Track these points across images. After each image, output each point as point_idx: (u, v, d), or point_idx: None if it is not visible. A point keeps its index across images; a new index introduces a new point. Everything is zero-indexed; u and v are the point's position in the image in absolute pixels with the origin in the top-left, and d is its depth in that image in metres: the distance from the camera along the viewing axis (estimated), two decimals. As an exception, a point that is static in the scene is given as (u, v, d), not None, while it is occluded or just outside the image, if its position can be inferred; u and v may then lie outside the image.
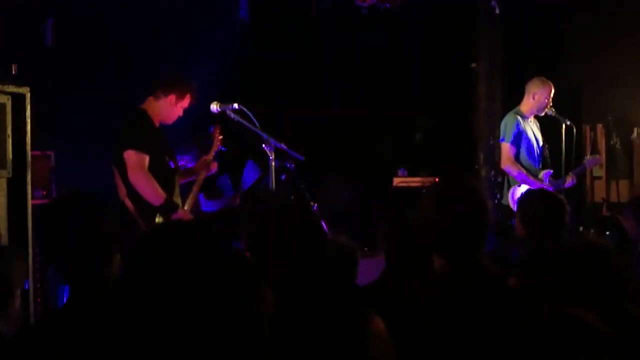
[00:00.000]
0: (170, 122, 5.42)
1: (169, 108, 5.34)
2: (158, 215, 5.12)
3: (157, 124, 5.36)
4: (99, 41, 7.15)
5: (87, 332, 2.25)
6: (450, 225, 2.91)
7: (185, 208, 5.44)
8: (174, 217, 5.15)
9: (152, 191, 5.08)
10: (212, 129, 6.01)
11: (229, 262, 1.54)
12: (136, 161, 5.09)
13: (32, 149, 5.18)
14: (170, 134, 5.74)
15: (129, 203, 5.05)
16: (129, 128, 5.22)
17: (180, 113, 5.43)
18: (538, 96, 7.01)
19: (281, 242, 2.86)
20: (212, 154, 5.88)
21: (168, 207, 5.12)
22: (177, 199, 5.36)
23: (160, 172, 5.22)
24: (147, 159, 5.14)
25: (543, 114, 7.09)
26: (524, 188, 6.69)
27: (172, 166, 5.43)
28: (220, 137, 5.93)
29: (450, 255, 2.92)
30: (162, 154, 5.31)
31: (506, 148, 6.98)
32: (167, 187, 5.23)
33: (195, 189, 5.68)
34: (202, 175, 5.74)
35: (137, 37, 7.24)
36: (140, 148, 5.12)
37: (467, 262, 2.89)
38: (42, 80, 6.15)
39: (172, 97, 5.32)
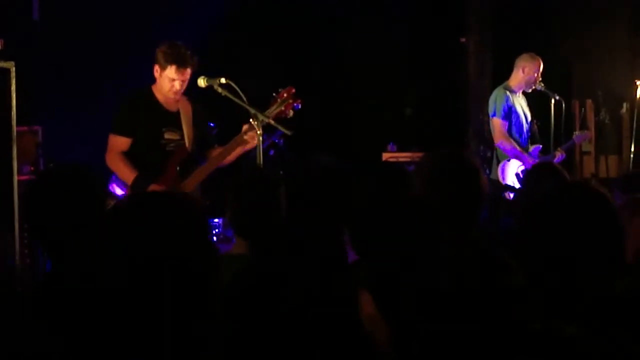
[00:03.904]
0: (170, 96, 5.10)
1: (159, 81, 5.09)
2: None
3: (163, 99, 5.17)
4: (86, 15, 7.10)
5: (68, 304, 2.27)
6: (443, 199, 2.85)
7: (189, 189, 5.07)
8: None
9: (120, 174, 5.05)
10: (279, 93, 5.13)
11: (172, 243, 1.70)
12: (109, 144, 5.11)
13: (19, 124, 5.16)
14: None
15: None
16: (115, 110, 5.19)
17: (172, 86, 5.03)
18: (527, 70, 6.99)
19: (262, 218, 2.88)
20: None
21: (136, 188, 4.94)
22: (174, 179, 5.08)
23: (148, 151, 5.10)
24: (121, 141, 5.09)
25: (532, 88, 7.08)
26: (514, 163, 6.71)
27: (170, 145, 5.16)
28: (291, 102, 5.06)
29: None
30: (155, 133, 5.13)
31: (498, 123, 6.95)
32: (155, 166, 5.08)
33: (203, 169, 5.16)
34: (231, 156, 5.15)
35: (124, 11, 7.20)
36: (115, 131, 5.11)
37: (462, 238, 2.83)
38: (29, 55, 6.12)
39: (156, 67, 5.07)
